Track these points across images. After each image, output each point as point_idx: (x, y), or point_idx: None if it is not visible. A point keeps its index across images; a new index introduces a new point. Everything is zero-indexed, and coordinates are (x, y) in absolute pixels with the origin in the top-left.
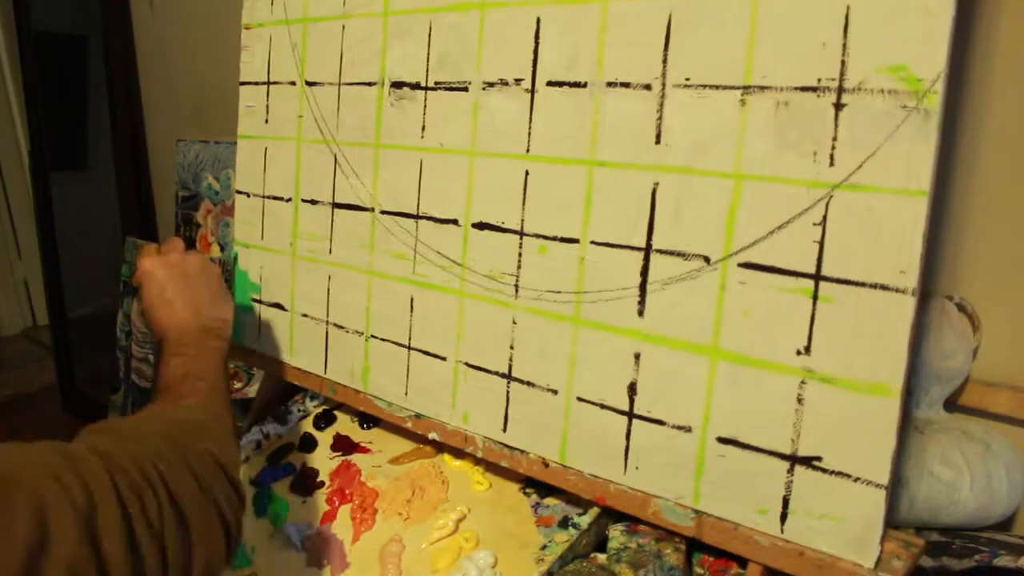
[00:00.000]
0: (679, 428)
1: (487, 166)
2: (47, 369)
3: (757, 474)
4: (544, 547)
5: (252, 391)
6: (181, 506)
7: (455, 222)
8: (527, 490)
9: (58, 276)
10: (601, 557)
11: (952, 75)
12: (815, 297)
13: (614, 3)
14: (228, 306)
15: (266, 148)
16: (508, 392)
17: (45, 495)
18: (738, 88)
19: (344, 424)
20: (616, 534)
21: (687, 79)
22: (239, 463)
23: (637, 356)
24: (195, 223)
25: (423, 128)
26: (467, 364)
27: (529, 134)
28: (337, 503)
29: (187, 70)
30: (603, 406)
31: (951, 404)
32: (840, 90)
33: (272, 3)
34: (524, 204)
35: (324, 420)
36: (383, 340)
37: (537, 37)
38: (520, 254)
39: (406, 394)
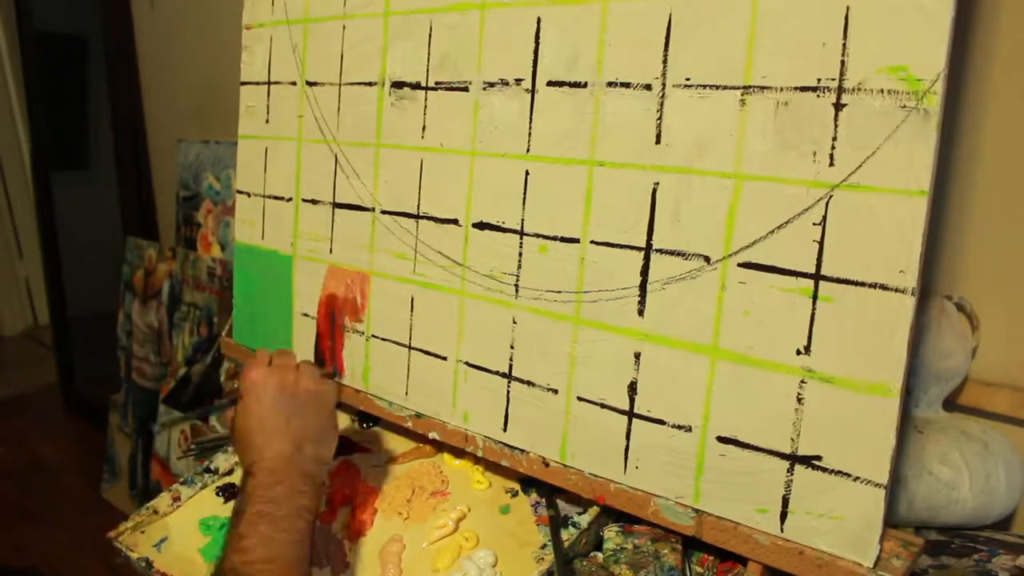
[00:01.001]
0: (679, 427)
1: (487, 166)
2: (48, 369)
3: (757, 473)
4: (544, 546)
5: None
6: None
7: (455, 222)
8: (527, 489)
9: (59, 276)
10: (601, 556)
11: (951, 75)
12: (815, 297)
13: (614, 3)
14: (332, 443)
15: (267, 148)
16: (508, 392)
17: None
18: (738, 88)
19: (344, 424)
20: (611, 535)
21: (687, 79)
22: None
23: (637, 356)
24: (196, 223)
25: (423, 128)
26: (467, 364)
27: (529, 134)
28: (337, 503)
29: (188, 70)
30: (603, 405)
31: (950, 404)
32: (840, 90)
33: (273, 3)
34: (524, 204)
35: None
36: (384, 340)
37: (537, 37)
38: (520, 254)
39: (406, 393)
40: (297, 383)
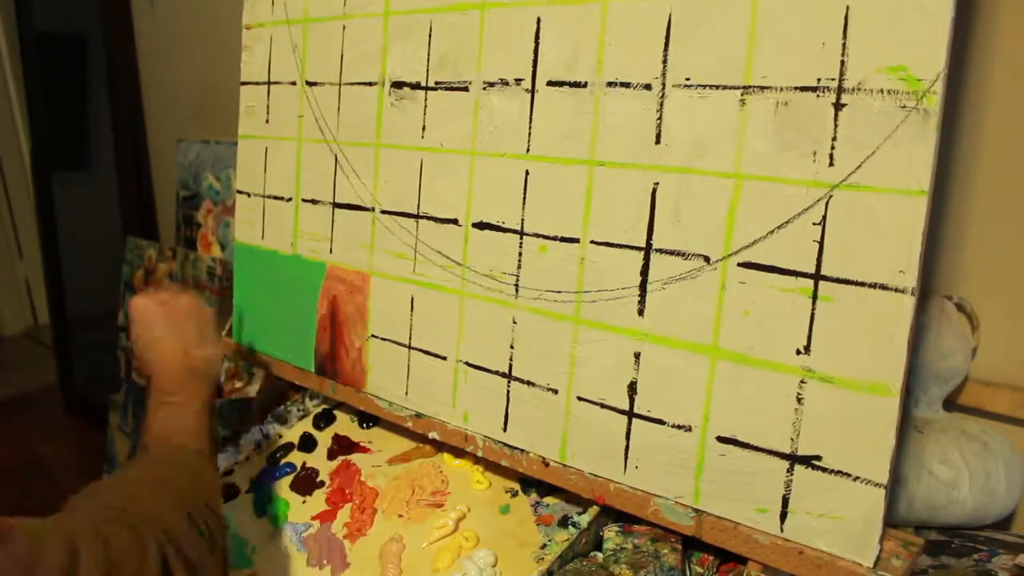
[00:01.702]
0: (679, 427)
1: (487, 166)
2: (48, 369)
3: (757, 473)
4: (544, 546)
5: (252, 391)
6: (190, 557)
7: (455, 222)
8: (527, 489)
9: (59, 276)
10: (600, 556)
11: (951, 75)
12: (815, 297)
13: (614, 3)
14: (216, 346)
15: (266, 148)
16: (508, 391)
17: (79, 546)
18: (738, 88)
19: (344, 424)
20: (611, 535)
21: (687, 79)
22: (220, 492)
23: (637, 355)
24: (196, 223)
25: (423, 128)
26: (467, 364)
27: (529, 134)
28: (337, 503)
29: (188, 70)
30: (603, 405)
31: (950, 403)
32: (840, 90)
33: (273, 3)
34: (524, 204)
35: (324, 420)
36: (383, 340)
37: (537, 37)
38: (520, 254)
39: (406, 393)
40: (175, 299)
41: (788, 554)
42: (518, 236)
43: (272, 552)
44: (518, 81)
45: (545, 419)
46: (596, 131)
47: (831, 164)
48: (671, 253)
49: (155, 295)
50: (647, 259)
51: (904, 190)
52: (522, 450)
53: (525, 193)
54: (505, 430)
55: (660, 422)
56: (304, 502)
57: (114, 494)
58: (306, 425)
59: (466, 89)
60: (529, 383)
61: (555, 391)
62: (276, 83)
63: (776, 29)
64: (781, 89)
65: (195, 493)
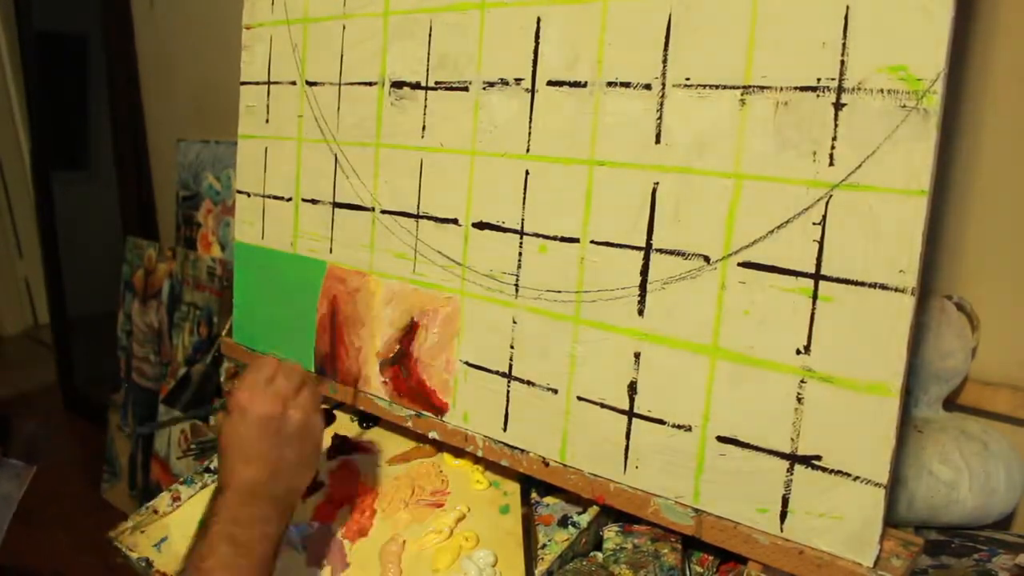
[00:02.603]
0: (679, 427)
1: (487, 166)
2: (48, 369)
3: (757, 473)
4: (544, 546)
5: None
6: None
7: (455, 222)
8: (527, 489)
9: (59, 276)
10: (600, 556)
11: (951, 75)
12: (815, 296)
13: (614, 3)
14: (310, 474)
15: (266, 148)
16: (508, 391)
17: None
18: (738, 88)
19: (344, 424)
20: (611, 535)
21: (687, 79)
22: None
23: (637, 355)
24: (196, 223)
25: (423, 128)
26: (467, 363)
27: (529, 134)
28: (337, 503)
29: (187, 70)
30: (603, 405)
31: (950, 403)
32: (840, 90)
33: (272, 3)
34: (524, 204)
35: (324, 420)
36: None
37: (537, 37)
38: (520, 253)
39: (505, 429)
40: (286, 413)
41: (788, 554)
42: (518, 236)
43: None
44: (518, 81)
45: (545, 419)
46: (596, 131)
47: (831, 164)
48: (671, 253)
49: (263, 400)
50: (647, 259)
51: (904, 190)
52: (522, 450)
53: (525, 193)
54: (505, 430)
55: (660, 422)
56: (304, 502)
57: None
58: None
59: (466, 89)
60: (529, 383)
61: (555, 391)
62: (276, 83)
63: (776, 29)
64: (781, 89)
65: None
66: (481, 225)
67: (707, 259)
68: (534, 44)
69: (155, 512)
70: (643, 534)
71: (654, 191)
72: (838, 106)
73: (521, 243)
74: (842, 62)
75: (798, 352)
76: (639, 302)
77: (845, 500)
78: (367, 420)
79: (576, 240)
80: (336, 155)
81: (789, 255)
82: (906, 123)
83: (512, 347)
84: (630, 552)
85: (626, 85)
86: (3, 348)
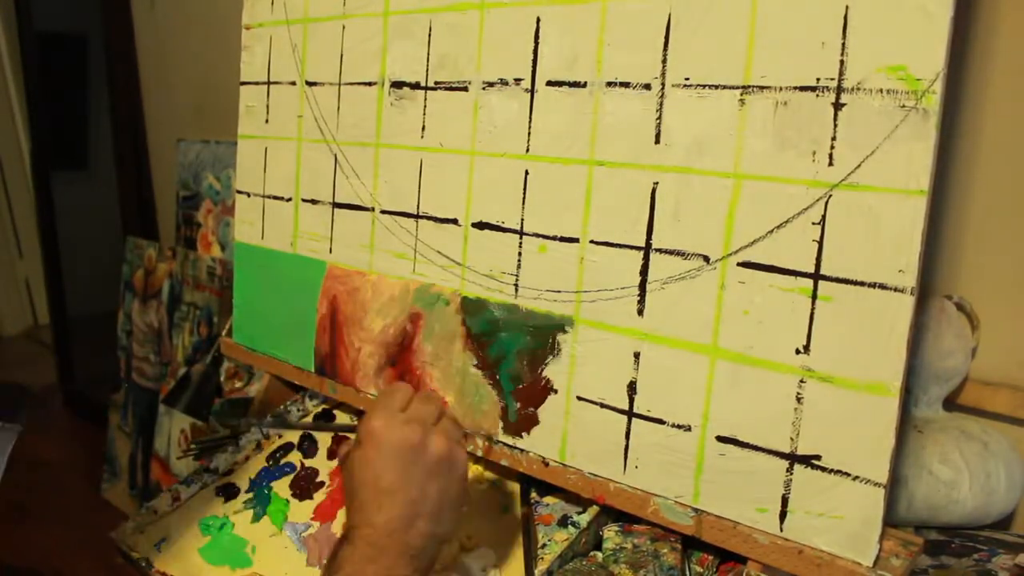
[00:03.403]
0: (679, 427)
1: (487, 166)
2: (48, 369)
3: (756, 472)
4: (543, 546)
5: (252, 391)
6: None
7: (455, 222)
8: (527, 489)
9: (59, 276)
10: (600, 556)
11: (951, 75)
12: (814, 296)
13: (614, 3)
14: (453, 520)
15: (266, 148)
16: None
17: None
18: (737, 88)
19: (343, 424)
20: (611, 535)
21: (686, 79)
22: None
23: (637, 355)
24: (196, 223)
25: (423, 128)
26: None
27: (529, 134)
28: (337, 503)
29: (187, 70)
30: (603, 405)
31: (950, 403)
32: (839, 90)
33: (272, 3)
34: (524, 204)
35: (324, 420)
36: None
37: (537, 37)
38: (520, 253)
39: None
40: (427, 443)
41: (788, 553)
42: (518, 236)
43: (272, 552)
44: (518, 81)
45: (545, 419)
46: (595, 131)
47: (831, 164)
48: (671, 253)
49: (401, 427)
50: (647, 259)
51: (903, 190)
52: (522, 450)
53: (525, 193)
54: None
55: (660, 422)
56: (304, 502)
57: None
58: None
59: (465, 89)
60: None
61: (555, 391)
62: (276, 83)
63: (775, 29)
64: (780, 89)
65: None
66: (481, 225)
67: (707, 259)
68: (533, 44)
69: (155, 512)
70: (643, 534)
71: (654, 191)
72: (837, 106)
73: (521, 243)
74: (841, 62)
75: (797, 352)
76: (639, 302)
77: (845, 500)
78: None
79: (576, 240)
80: (336, 155)
81: (789, 255)
82: (905, 123)
83: None
84: (630, 552)
85: (625, 85)
86: (3, 348)
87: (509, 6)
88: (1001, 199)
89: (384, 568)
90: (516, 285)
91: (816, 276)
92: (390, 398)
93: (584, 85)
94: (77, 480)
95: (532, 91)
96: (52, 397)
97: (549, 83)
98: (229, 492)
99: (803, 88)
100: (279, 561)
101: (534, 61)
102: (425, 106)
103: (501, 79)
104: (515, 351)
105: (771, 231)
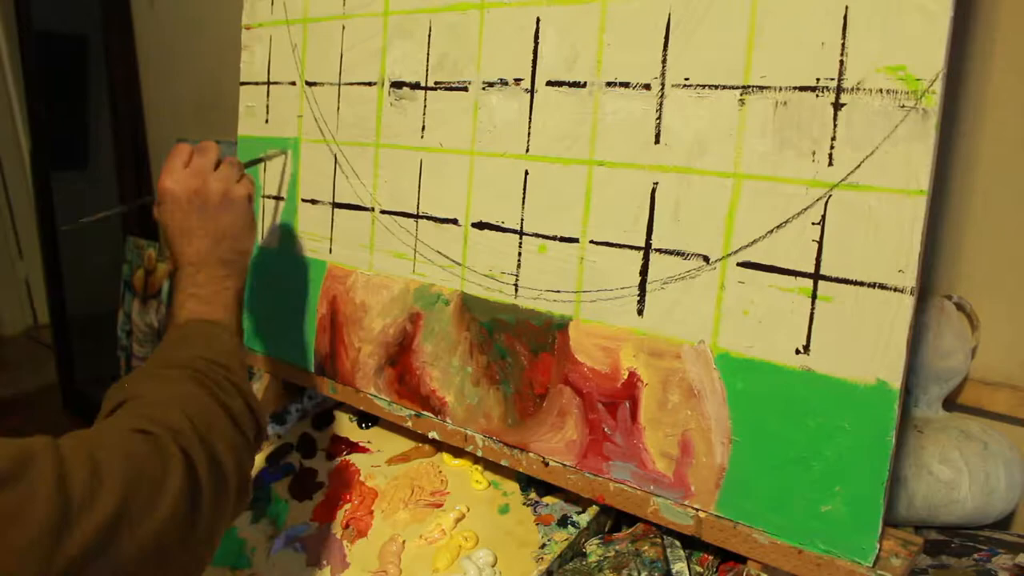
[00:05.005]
0: None
1: (487, 166)
2: (48, 369)
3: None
4: (543, 546)
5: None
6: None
7: (455, 222)
8: (526, 489)
9: (59, 276)
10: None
11: (951, 75)
12: (814, 296)
13: (614, 3)
14: (250, 237)
15: (266, 148)
16: None
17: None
18: (737, 88)
19: (343, 424)
20: (593, 548)
21: (686, 79)
22: (251, 389)
23: (636, 356)
24: None
25: (423, 128)
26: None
27: (529, 134)
28: (336, 503)
29: (188, 70)
30: None
31: (950, 403)
32: (839, 90)
33: (272, 3)
34: (524, 204)
35: (323, 420)
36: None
37: (537, 37)
38: (520, 253)
39: None
40: (207, 187)
41: (787, 554)
42: (517, 236)
43: (272, 552)
44: (517, 81)
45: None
46: (595, 131)
47: (830, 164)
48: (670, 253)
49: (185, 180)
50: (646, 259)
51: (903, 190)
52: (522, 450)
53: (524, 193)
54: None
55: None
56: (303, 502)
57: (143, 386)
58: (305, 425)
59: (465, 89)
60: None
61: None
62: (276, 83)
63: (775, 29)
64: (780, 89)
65: (215, 361)
66: (480, 225)
67: (706, 259)
68: (533, 44)
69: None
70: (623, 539)
71: (653, 191)
72: (837, 106)
73: (520, 243)
74: (841, 62)
75: (797, 352)
76: (639, 302)
77: (845, 499)
78: (366, 420)
79: (576, 240)
80: (336, 155)
81: (788, 255)
82: (905, 123)
83: None
84: (612, 559)
85: (625, 85)
86: (3, 348)
87: (509, 6)
88: (1001, 199)
89: (210, 273)
90: (516, 285)
91: (816, 276)
92: (175, 159)
93: (584, 85)
94: None
95: (532, 91)
96: (52, 397)
97: (549, 83)
98: None
99: (803, 88)
100: (279, 561)
101: (534, 61)
102: (425, 106)
103: (501, 79)
104: (515, 351)
105: (771, 231)
